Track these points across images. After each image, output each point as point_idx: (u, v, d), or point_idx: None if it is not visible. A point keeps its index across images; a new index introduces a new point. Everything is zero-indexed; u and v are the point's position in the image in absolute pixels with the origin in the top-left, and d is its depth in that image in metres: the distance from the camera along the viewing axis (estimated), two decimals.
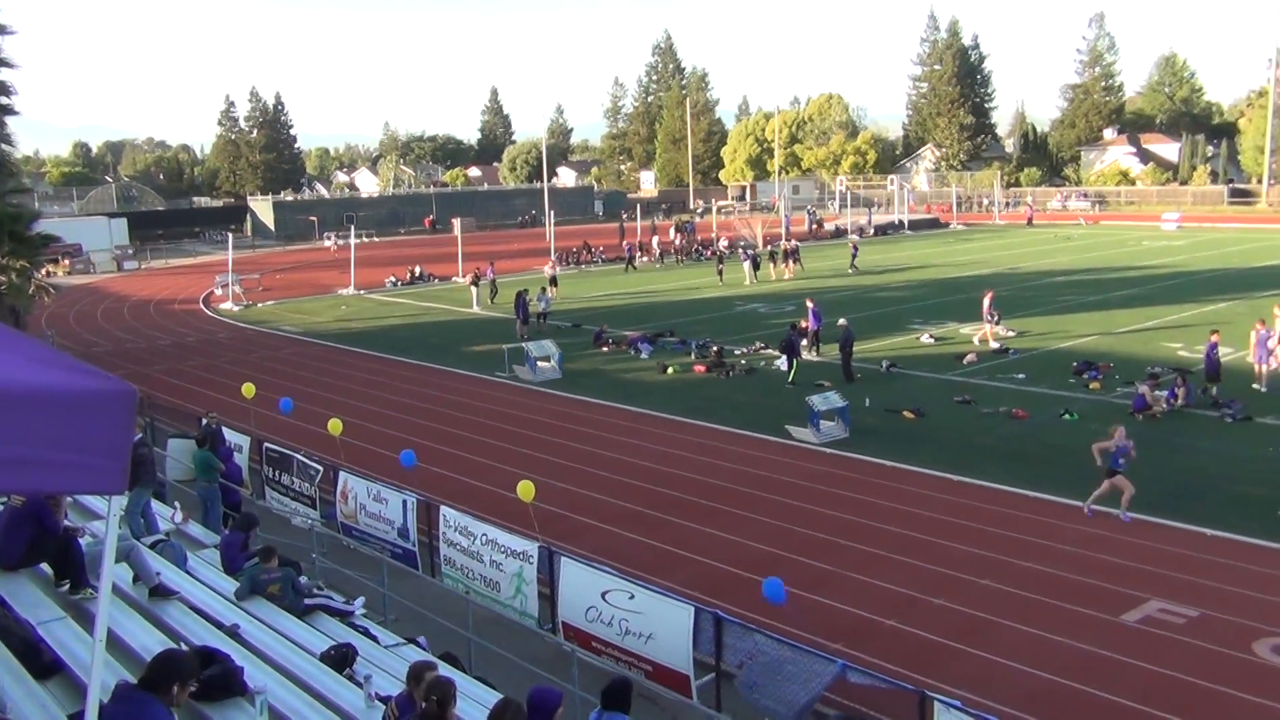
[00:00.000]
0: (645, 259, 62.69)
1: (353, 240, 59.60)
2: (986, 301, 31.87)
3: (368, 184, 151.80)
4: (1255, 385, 24.76)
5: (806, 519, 17.43)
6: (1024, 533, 16.54)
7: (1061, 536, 16.31)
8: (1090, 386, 26.05)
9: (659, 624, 11.56)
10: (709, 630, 11.14)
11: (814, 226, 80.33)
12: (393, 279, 55.91)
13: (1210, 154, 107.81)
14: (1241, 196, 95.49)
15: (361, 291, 52.88)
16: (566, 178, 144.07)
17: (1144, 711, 11.27)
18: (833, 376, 27.44)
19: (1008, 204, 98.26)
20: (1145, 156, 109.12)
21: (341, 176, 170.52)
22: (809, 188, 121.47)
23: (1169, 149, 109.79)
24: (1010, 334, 32.63)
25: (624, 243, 62.20)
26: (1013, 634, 13.13)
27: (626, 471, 20.44)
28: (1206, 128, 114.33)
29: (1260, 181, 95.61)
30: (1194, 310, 36.96)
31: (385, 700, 8.08)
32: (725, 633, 11.06)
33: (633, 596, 11.91)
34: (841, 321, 29.07)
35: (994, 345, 31.07)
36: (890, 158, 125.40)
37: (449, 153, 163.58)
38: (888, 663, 12.08)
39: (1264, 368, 25.06)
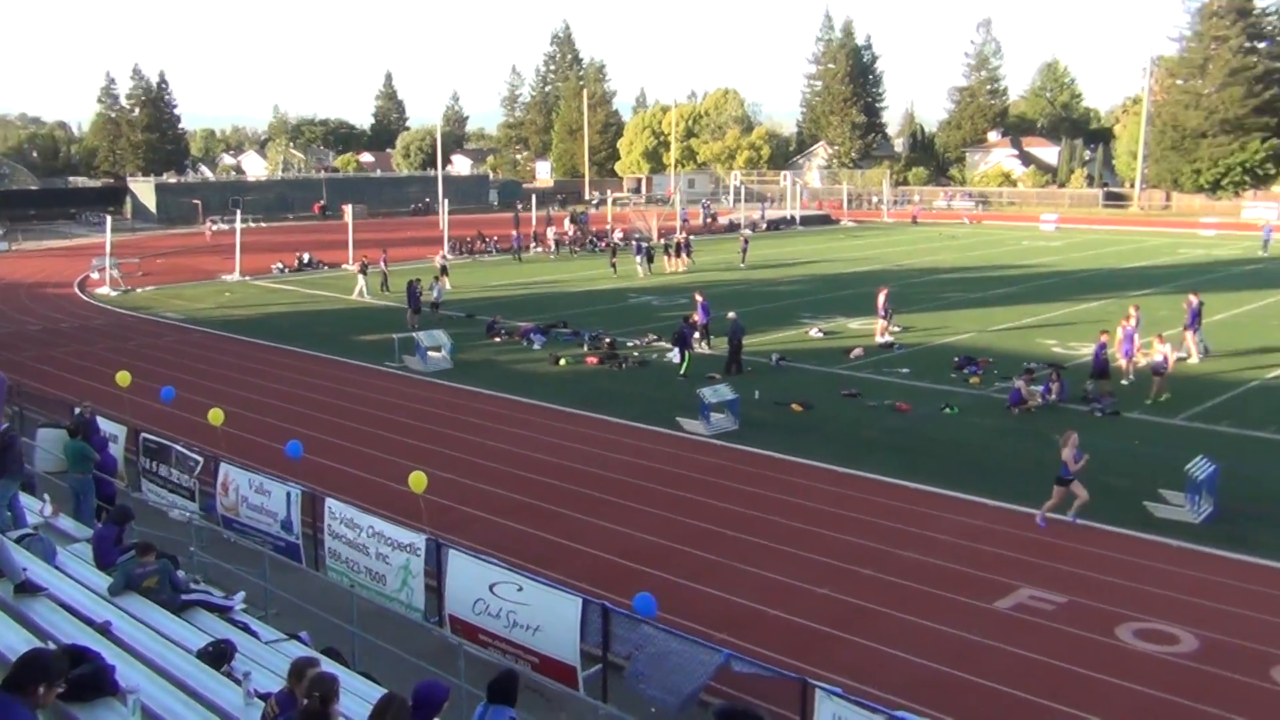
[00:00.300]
0: (540, 250, 62.48)
1: (238, 225, 57.99)
2: (881, 298, 32.56)
3: (255, 167, 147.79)
4: (1123, 381, 25.84)
5: (696, 510, 17.63)
6: (905, 523, 17.00)
7: (940, 527, 16.82)
8: (970, 381, 26.88)
9: (547, 616, 11.58)
10: (597, 622, 11.20)
11: (709, 220, 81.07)
12: (280, 265, 54.61)
13: (1087, 158, 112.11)
14: (1115, 200, 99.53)
15: (247, 278, 51.53)
16: (461, 166, 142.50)
17: (1015, 695, 11.71)
18: (722, 369, 27.75)
19: (896, 202, 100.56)
20: (1027, 159, 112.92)
21: (228, 159, 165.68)
22: (705, 182, 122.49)
23: (1049, 152, 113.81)
24: (897, 329, 33.45)
25: (513, 233, 61.76)
26: (892, 622, 13.50)
27: (517, 463, 20.38)
28: (1085, 132, 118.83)
29: (1133, 186, 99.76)
30: (1068, 309, 38.39)
31: (265, 697, 7.93)
32: (613, 624, 11.14)
33: (521, 589, 11.90)
34: (731, 315, 29.43)
35: (880, 340, 31.80)
36: (784, 154, 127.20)
37: (341, 137, 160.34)
38: (772, 651, 12.30)
39: (1130, 363, 26.19)
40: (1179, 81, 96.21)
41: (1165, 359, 24.66)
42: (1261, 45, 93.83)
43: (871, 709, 9.21)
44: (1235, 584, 14.62)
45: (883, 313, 32.34)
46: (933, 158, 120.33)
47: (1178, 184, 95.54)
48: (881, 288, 33.66)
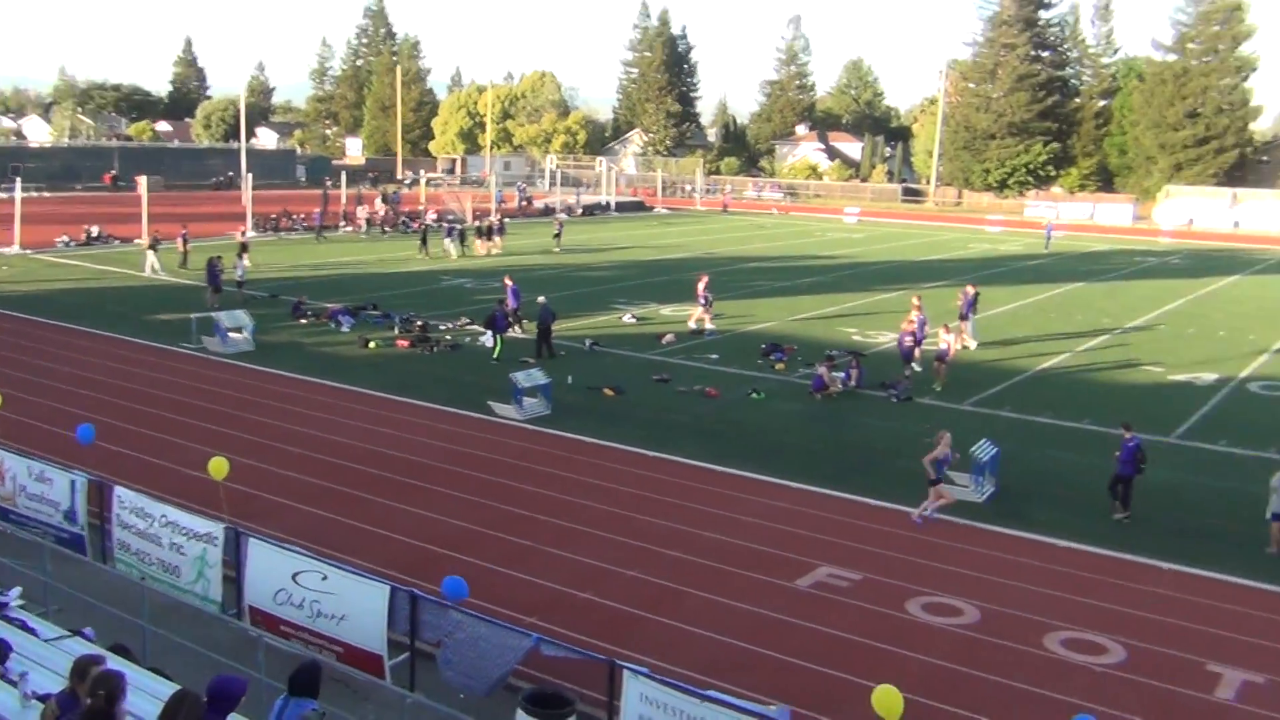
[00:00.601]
0: (350, 229, 60.78)
1: (18, 194, 53.99)
2: (701, 285, 33.09)
3: (39, 133, 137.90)
4: (915, 367, 27.19)
5: (507, 495, 17.58)
6: (712, 505, 17.43)
7: (745, 509, 17.32)
8: (776, 367, 27.76)
9: (353, 605, 11.33)
10: (405, 609, 11.04)
11: (524, 203, 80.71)
12: (65, 239, 51.18)
13: (888, 154, 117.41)
14: (913, 195, 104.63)
15: (28, 251, 48.04)
16: (267, 139, 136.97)
17: (814, 669, 12.21)
18: (534, 353, 27.72)
19: (708, 191, 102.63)
20: (832, 153, 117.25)
21: (7, 122, 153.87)
22: (520, 165, 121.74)
23: (853, 147, 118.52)
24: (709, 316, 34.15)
25: (316, 210, 59.73)
26: (699, 602, 13.84)
27: (324, 449, 19.82)
28: (886, 130, 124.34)
29: (929, 182, 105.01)
30: (868, 299, 40.12)
31: (44, 699, 7.47)
32: (421, 611, 11.00)
33: (325, 578, 11.60)
34: (541, 299, 29.43)
35: (692, 326, 32.38)
36: (600, 139, 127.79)
37: (135, 104, 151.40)
38: (581, 634, 12.40)
39: (919, 351, 27.55)
40: (971, 85, 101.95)
41: (948, 347, 26.13)
42: (1045, 54, 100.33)
43: (677, 688, 9.43)
44: (1014, 558, 15.66)
45: (703, 300, 32.89)
46: (744, 149, 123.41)
47: (969, 182, 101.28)
48: (701, 274, 34.25)
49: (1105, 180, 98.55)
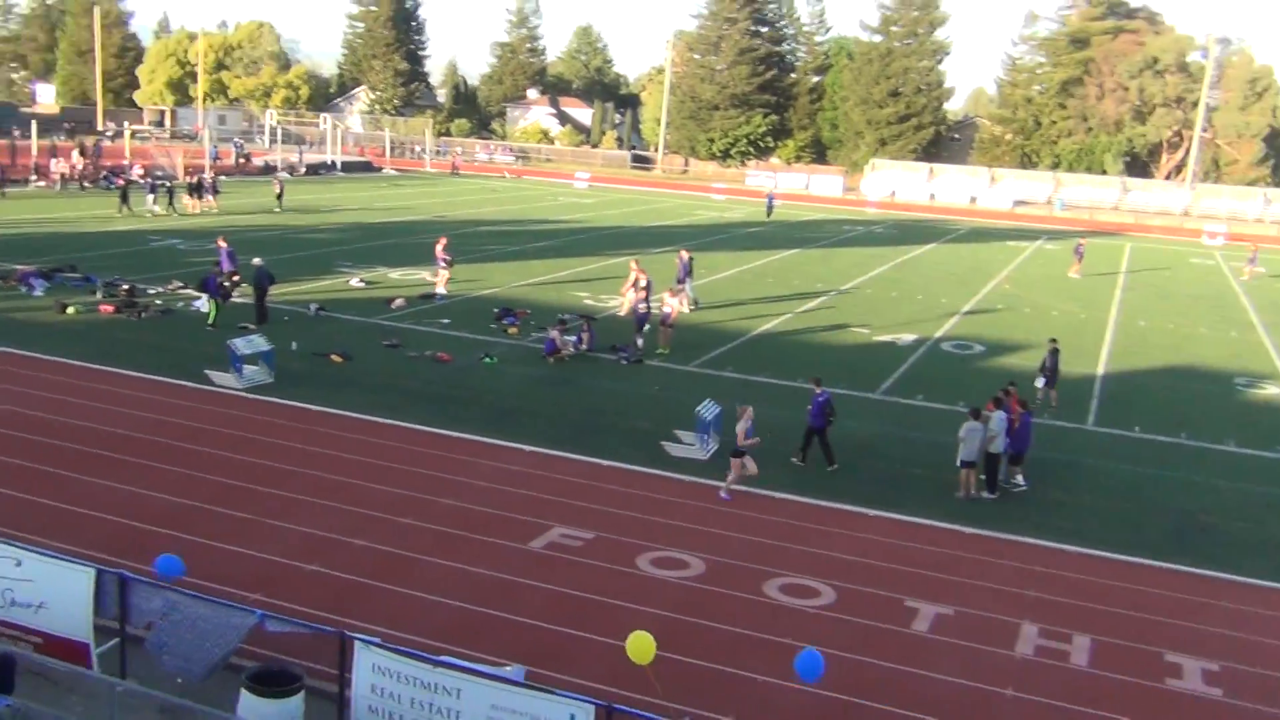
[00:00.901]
0: (42, 184, 55.58)
1: None
2: (440, 247, 32.47)
3: None
4: (645, 328, 27.85)
5: (226, 467, 16.73)
6: (445, 471, 17.29)
7: (478, 473, 17.29)
8: (509, 331, 27.76)
9: (53, 591, 10.46)
10: (112, 592, 10.31)
11: (242, 160, 76.44)
12: None
13: (618, 121, 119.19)
14: (642, 162, 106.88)
15: None
16: None
17: (549, 629, 12.38)
18: (252, 318, 26.44)
19: (438, 152, 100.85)
20: (563, 118, 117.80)
21: None
22: (238, 119, 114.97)
23: (584, 113, 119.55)
24: (436, 280, 33.64)
25: None
26: (432, 568, 13.72)
27: (17, 424, 18.13)
28: (616, 97, 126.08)
29: (657, 150, 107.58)
30: (599, 263, 40.74)
31: None
32: (131, 593, 10.30)
33: (20, 563, 10.63)
34: (256, 261, 28.04)
35: (440, 291, 31.88)
36: (324, 96, 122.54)
37: None
38: (309, 608, 12.04)
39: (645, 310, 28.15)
40: (697, 56, 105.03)
41: (673, 311, 27.02)
42: (764, 30, 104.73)
43: (410, 655, 9.33)
44: (736, 512, 16.44)
45: (442, 262, 32.33)
46: (475, 111, 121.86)
47: (694, 151, 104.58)
48: (440, 237, 33.64)
49: (819, 153, 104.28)
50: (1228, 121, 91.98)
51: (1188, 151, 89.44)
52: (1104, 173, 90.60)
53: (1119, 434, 22.17)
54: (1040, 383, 23.34)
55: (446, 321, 28.51)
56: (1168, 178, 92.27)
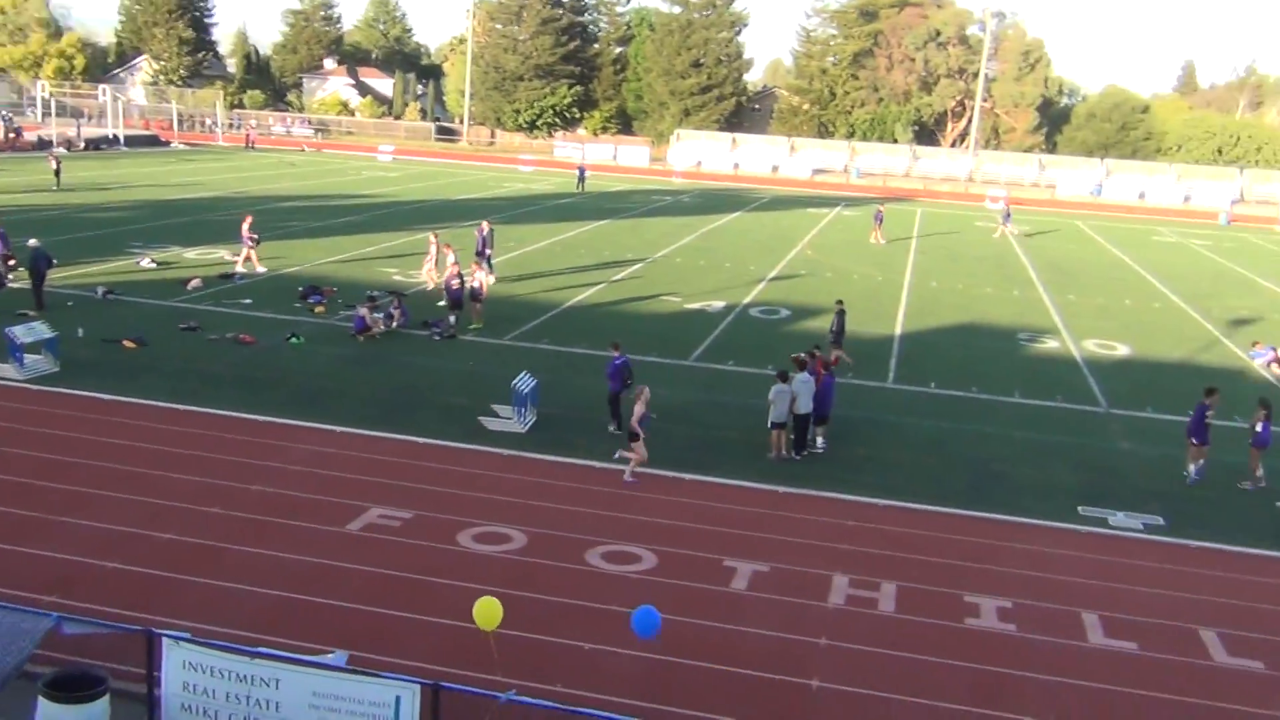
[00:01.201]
0: None
1: None
2: (246, 226, 31.18)
3: None
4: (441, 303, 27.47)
5: (5, 464, 15.63)
6: (254, 457, 16.66)
7: (289, 457, 16.74)
8: (315, 310, 26.90)
9: None
10: None
11: (13, 135, 71.00)
12: None
13: (420, 92, 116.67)
14: (447, 134, 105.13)
15: None
16: None
17: (371, 611, 12.12)
18: (31, 304, 24.73)
19: (231, 125, 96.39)
20: (363, 89, 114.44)
21: None
22: (4, 90, 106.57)
23: (385, 84, 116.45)
24: (237, 259, 32.29)
25: None
26: (244, 557, 13.21)
27: None
28: (417, 67, 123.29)
29: (462, 122, 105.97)
30: (407, 238, 39.90)
31: None
32: None
33: None
34: (33, 242, 26.21)
35: (241, 269, 30.83)
36: (102, 66, 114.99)
37: None
38: (111, 607, 11.42)
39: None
40: (499, 26, 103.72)
41: (482, 285, 26.81)
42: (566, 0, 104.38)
43: (225, 649, 8.99)
44: (557, 483, 16.50)
45: (248, 241, 31.03)
46: (269, 82, 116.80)
47: (500, 122, 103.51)
48: (246, 215, 32.25)
49: (625, 123, 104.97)
50: (1005, 92, 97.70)
51: (970, 120, 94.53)
52: (895, 141, 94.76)
53: (917, 390, 23.34)
54: (835, 345, 24.33)
55: (248, 302, 27.39)
56: (953, 145, 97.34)
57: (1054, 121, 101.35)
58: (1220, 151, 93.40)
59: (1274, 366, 26.97)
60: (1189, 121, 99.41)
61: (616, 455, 17.26)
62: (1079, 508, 16.79)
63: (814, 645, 12.07)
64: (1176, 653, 12.39)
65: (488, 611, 9.59)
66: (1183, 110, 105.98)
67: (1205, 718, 11.14)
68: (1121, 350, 28.54)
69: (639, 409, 16.71)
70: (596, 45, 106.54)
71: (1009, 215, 55.20)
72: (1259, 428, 18.03)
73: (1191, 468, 18.38)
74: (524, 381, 19.16)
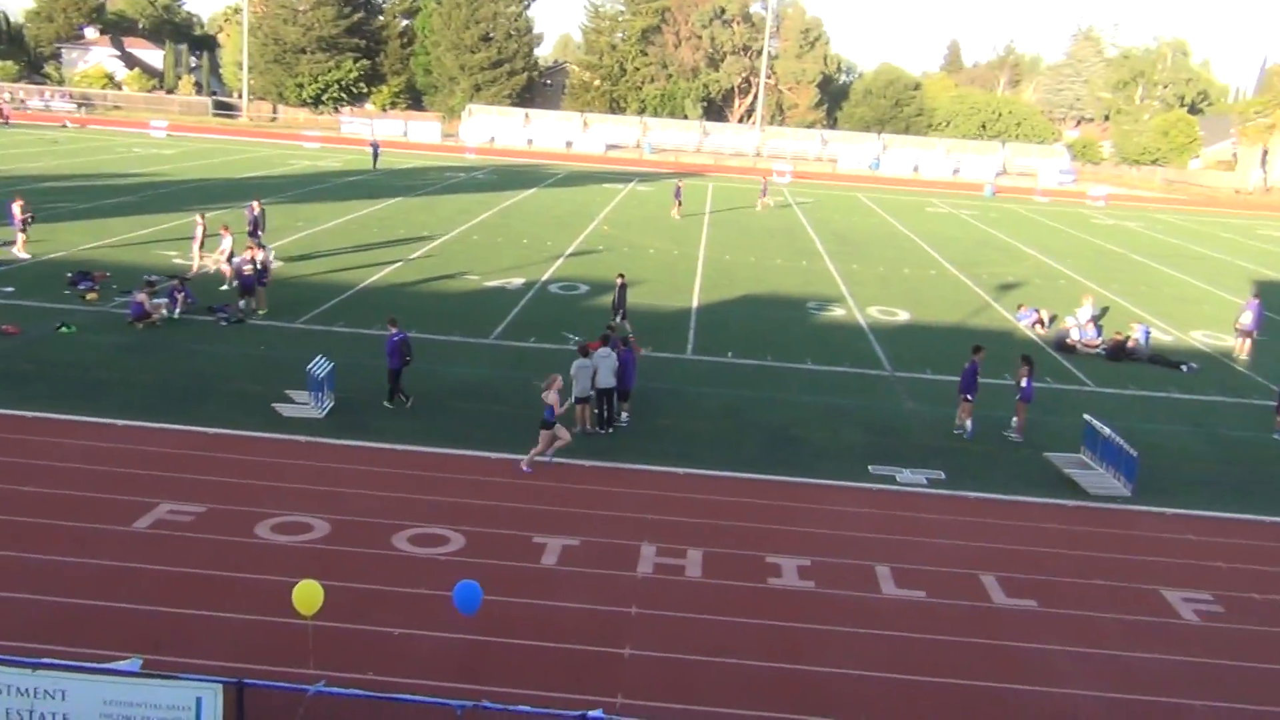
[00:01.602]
0: None
1: None
2: (17, 208, 29.08)
3: None
4: (224, 287, 26.42)
5: None
6: (22, 456, 15.55)
7: (63, 454, 15.71)
8: (87, 297, 25.25)
9: None
10: None
11: None
12: None
13: (194, 65, 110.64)
14: (226, 109, 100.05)
15: None
16: None
17: (165, 612, 11.55)
18: None
19: None
20: (130, 61, 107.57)
21: None
22: None
23: (154, 56, 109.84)
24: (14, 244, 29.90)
25: None
26: (19, 564, 12.34)
27: None
28: (189, 38, 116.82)
29: (241, 96, 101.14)
30: (187, 219, 37.82)
31: None
32: None
33: None
34: None
35: (21, 255, 28.87)
36: None
37: None
38: None
39: (231, 271, 26.71)
40: None
41: (263, 267, 25.83)
42: None
43: (3, 662, 8.40)
44: (357, 467, 16.12)
45: (19, 224, 28.82)
46: (23, 52, 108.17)
47: (283, 97, 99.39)
48: (16, 197, 29.86)
49: (415, 98, 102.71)
50: (787, 69, 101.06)
51: (755, 97, 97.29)
52: (685, 117, 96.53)
53: (715, 361, 23.97)
54: (618, 318, 24.80)
55: (10, 290, 25.44)
56: (740, 121, 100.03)
57: (834, 98, 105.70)
58: (984, 127, 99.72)
59: (1038, 328, 29.12)
60: (955, 98, 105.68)
61: (525, 466, 16.70)
62: (869, 467, 17.70)
63: (625, 614, 12.28)
64: (961, 597, 13.27)
65: (308, 595, 9.31)
66: (950, 88, 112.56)
67: (988, 655, 11.99)
68: (902, 316, 30.12)
69: (550, 397, 16.25)
70: (382, 17, 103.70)
71: (765, 189, 56.84)
72: (1024, 383, 19.46)
73: (968, 423, 19.64)
74: (320, 365, 18.58)
